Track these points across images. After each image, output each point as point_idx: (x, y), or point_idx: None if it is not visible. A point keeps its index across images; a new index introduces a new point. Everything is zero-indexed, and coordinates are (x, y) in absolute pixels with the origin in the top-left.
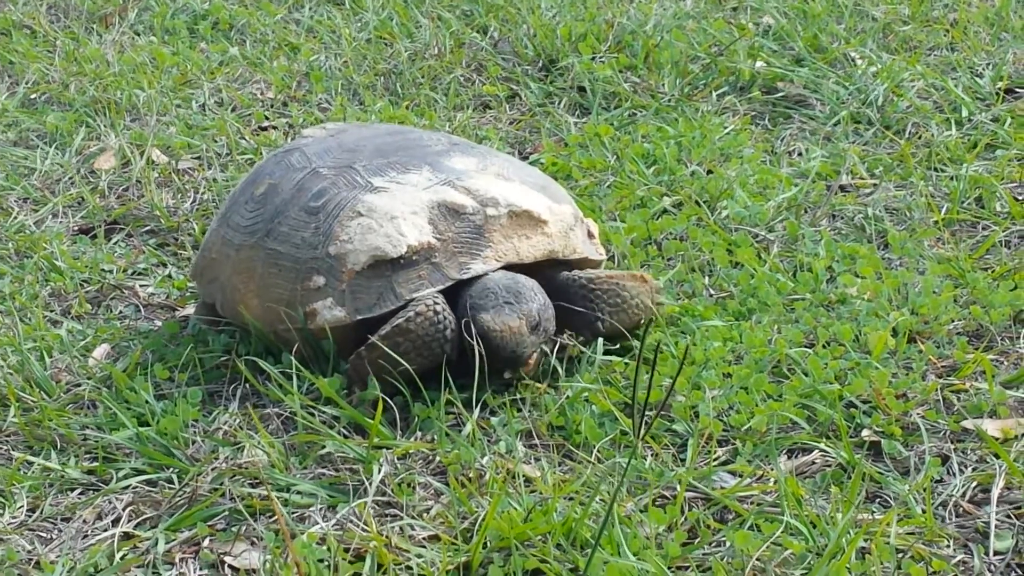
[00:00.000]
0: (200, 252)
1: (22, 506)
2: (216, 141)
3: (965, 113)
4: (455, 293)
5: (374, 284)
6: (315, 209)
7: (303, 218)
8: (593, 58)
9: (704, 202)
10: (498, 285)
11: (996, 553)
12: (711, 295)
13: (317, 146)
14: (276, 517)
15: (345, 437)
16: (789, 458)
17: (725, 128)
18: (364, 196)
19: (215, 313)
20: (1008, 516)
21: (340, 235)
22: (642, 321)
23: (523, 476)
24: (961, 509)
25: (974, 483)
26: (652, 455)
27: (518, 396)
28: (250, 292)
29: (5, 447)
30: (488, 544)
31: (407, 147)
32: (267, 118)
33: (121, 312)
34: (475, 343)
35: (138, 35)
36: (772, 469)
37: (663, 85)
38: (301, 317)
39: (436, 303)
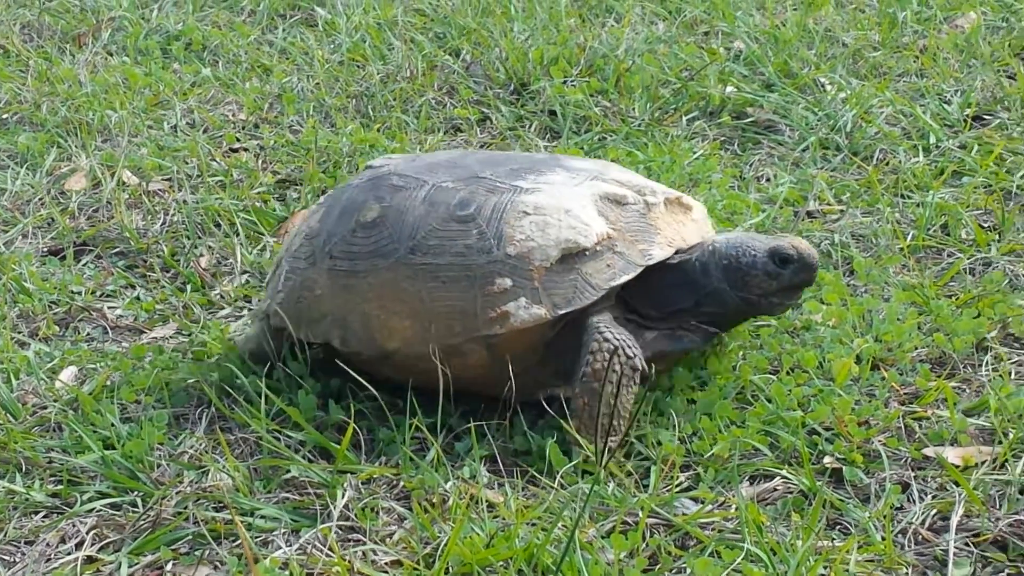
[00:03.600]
0: (291, 297)
1: None
2: (187, 163)
3: (933, 140)
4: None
5: (566, 278)
6: (466, 217)
7: (455, 227)
8: (564, 82)
9: None
10: (739, 236)
11: None
12: None
13: (409, 167)
14: (239, 541)
15: (310, 461)
16: (751, 485)
17: (694, 153)
18: (521, 197)
19: (333, 353)
20: (966, 544)
21: (514, 236)
22: None
23: (486, 501)
24: (920, 537)
25: (934, 511)
26: (615, 481)
27: (483, 421)
28: (398, 314)
29: None
30: (450, 569)
31: (510, 160)
32: (238, 140)
33: (89, 334)
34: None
35: (111, 55)
36: (734, 496)
37: (633, 109)
38: (488, 323)
39: (601, 331)
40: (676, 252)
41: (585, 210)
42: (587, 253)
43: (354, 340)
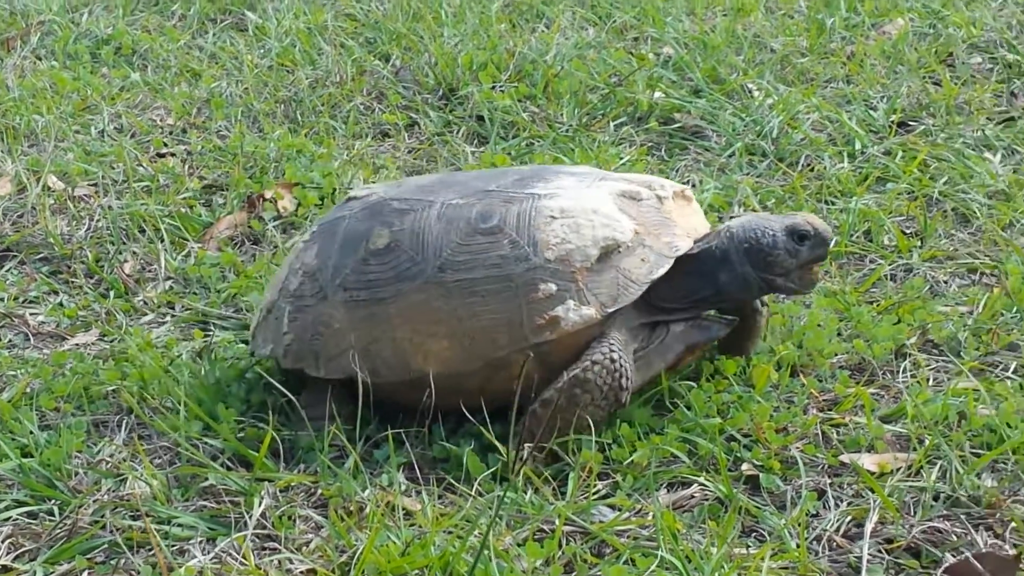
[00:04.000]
0: (302, 336)
1: None
2: (113, 168)
3: (858, 146)
4: None
5: (606, 276)
6: (491, 229)
7: (481, 240)
8: (493, 87)
9: None
10: (752, 218)
11: None
12: None
13: (400, 192)
14: (154, 550)
15: (229, 469)
16: (669, 492)
17: (621, 159)
18: (543, 203)
19: (348, 389)
20: (880, 551)
21: (549, 240)
22: None
23: (403, 509)
24: (834, 543)
25: (848, 517)
26: (533, 489)
27: (402, 429)
28: (434, 336)
29: None
30: None
31: (506, 174)
32: (166, 145)
33: (10, 341)
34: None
35: (40, 60)
36: (651, 503)
37: (561, 115)
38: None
39: (612, 349)
40: (694, 242)
41: (610, 208)
42: (622, 250)
43: (385, 369)
